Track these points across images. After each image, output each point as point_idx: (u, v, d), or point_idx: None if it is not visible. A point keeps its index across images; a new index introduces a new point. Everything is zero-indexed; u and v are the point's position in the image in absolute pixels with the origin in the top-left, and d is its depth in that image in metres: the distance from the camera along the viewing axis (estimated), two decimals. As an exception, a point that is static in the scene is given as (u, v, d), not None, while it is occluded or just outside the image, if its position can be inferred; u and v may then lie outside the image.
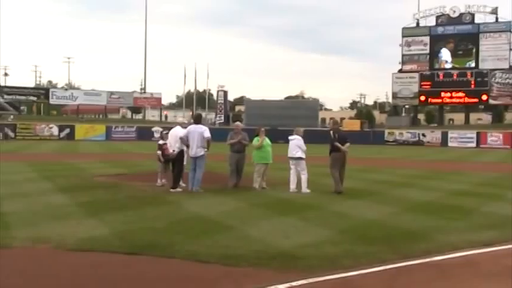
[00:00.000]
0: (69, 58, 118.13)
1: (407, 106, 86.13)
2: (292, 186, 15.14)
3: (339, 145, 15.05)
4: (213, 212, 11.54)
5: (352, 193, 14.99)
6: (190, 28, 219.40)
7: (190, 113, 78.67)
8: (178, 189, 14.73)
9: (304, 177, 15.12)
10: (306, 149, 15.37)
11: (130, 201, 12.79)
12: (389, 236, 9.32)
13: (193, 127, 14.82)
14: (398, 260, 7.72)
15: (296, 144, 15.27)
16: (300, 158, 15.24)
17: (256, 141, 15.76)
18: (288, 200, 13.73)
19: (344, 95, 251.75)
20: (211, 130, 15.45)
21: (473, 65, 75.03)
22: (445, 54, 77.42)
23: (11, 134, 56.42)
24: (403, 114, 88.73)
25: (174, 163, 15.13)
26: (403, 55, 79.05)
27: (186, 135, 14.64)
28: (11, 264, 7.33)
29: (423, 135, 60.54)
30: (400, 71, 79.20)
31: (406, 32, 78.87)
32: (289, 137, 15.56)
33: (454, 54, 76.61)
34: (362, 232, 9.66)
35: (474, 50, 74.87)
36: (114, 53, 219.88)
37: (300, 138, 15.38)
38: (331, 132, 15.47)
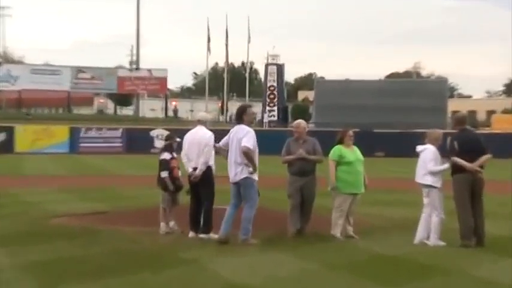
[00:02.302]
0: (2, 8, 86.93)
1: None
2: (420, 235, 12.04)
3: (463, 162, 11.64)
4: (261, 280, 9.16)
5: (509, 246, 11.79)
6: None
7: (219, 105, 71.08)
8: (213, 236, 11.90)
9: (435, 220, 11.83)
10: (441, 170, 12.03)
11: (114, 261, 10.24)
12: None
13: (235, 129, 11.66)
14: None
15: (423, 161, 12.06)
16: (430, 186, 11.91)
17: (336, 153, 11.97)
18: (398, 258, 10.65)
19: (495, 71, 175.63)
20: (257, 133, 11.79)
21: None
22: None
23: None
24: None
25: (198, 190, 12.23)
26: None
27: (226, 142, 11.56)
28: None
29: None
30: None
31: None
32: (417, 148, 12.35)
33: None
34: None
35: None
36: (83, 4, 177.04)
37: (432, 149, 12.03)
38: (450, 138, 12.15)
